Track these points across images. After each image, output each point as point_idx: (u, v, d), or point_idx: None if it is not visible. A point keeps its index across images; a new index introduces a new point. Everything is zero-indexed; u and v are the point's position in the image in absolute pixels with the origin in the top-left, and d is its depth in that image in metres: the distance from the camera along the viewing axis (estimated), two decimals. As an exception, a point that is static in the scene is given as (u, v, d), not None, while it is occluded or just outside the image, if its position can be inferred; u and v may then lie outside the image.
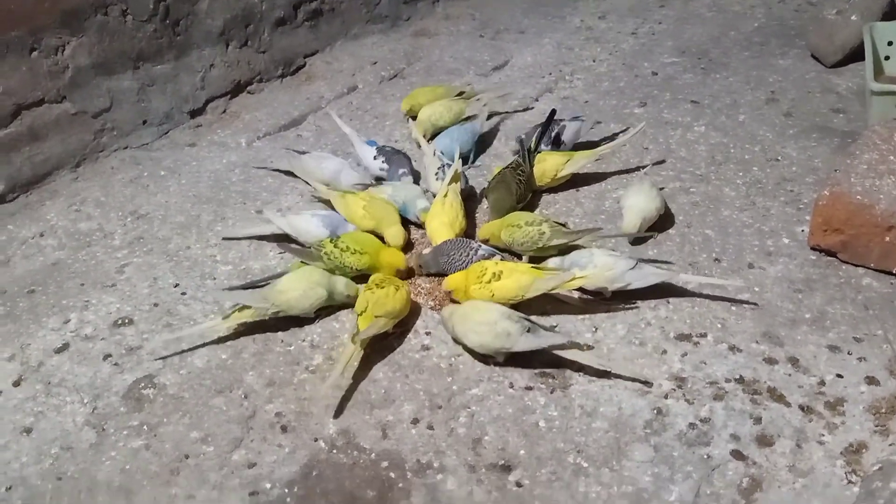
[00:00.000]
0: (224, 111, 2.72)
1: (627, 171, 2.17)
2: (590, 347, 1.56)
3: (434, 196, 1.99)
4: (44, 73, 2.22)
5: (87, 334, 1.71)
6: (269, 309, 1.63)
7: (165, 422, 1.48)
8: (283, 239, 1.93)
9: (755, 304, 1.65)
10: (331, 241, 1.78)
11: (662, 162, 2.21)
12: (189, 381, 1.56)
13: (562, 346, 1.49)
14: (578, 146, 2.22)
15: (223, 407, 1.50)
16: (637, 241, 1.85)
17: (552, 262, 1.75)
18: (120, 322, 1.74)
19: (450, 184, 1.95)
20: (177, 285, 1.85)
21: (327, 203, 2.05)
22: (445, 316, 1.62)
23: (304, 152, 2.24)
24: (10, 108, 2.16)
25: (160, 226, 2.09)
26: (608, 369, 1.48)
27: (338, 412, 1.47)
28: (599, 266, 1.65)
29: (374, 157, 2.19)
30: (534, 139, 2.13)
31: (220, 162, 2.40)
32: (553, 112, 2.20)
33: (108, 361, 1.63)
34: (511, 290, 1.62)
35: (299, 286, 1.66)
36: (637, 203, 1.86)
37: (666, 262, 1.79)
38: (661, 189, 2.02)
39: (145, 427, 1.47)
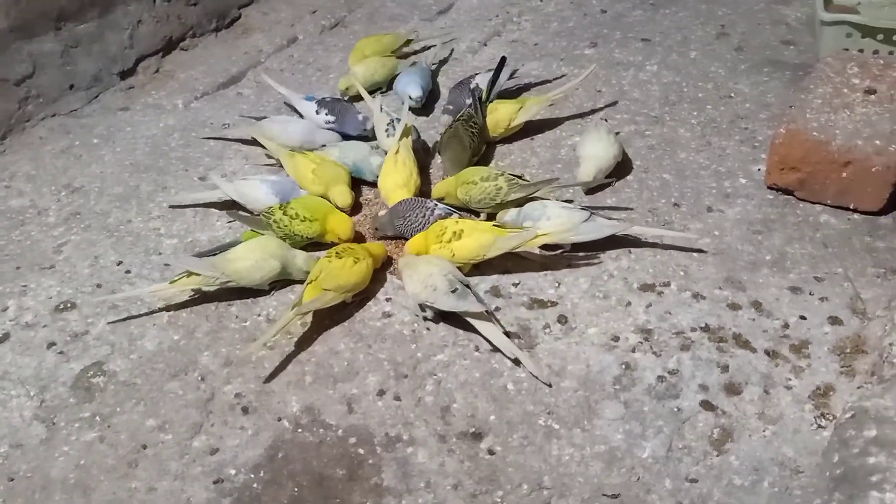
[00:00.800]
0: (157, 71, 2.57)
1: (581, 116, 2.12)
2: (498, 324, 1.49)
3: (385, 153, 1.92)
4: (-45, 40, 2.06)
5: (27, 322, 1.62)
6: (218, 278, 1.57)
7: (119, 411, 1.41)
8: (231, 206, 1.84)
9: (716, 249, 1.64)
10: (280, 208, 1.71)
11: (615, 104, 2.16)
12: (141, 367, 1.49)
13: (479, 316, 1.46)
14: (501, 95, 2.13)
15: (179, 391, 1.44)
16: (594, 189, 1.82)
17: (507, 216, 1.70)
18: (62, 307, 1.65)
19: (401, 139, 1.87)
20: (120, 263, 1.76)
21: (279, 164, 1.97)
22: (401, 265, 1.59)
23: (262, 118, 2.13)
24: (-80, 80, 2.01)
25: (97, 199, 1.98)
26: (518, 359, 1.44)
27: (300, 388, 1.42)
28: (552, 219, 1.63)
29: (317, 112, 2.10)
30: (485, 88, 2.06)
31: (156, 126, 2.27)
32: (503, 59, 2.13)
33: (52, 350, 1.54)
34: (472, 250, 1.58)
35: (251, 256, 1.59)
36: (593, 151, 1.81)
37: (625, 209, 1.76)
38: (617, 133, 1.97)
39: (98, 418, 1.40)
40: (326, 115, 2.09)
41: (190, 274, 1.57)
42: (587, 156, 1.81)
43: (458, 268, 1.60)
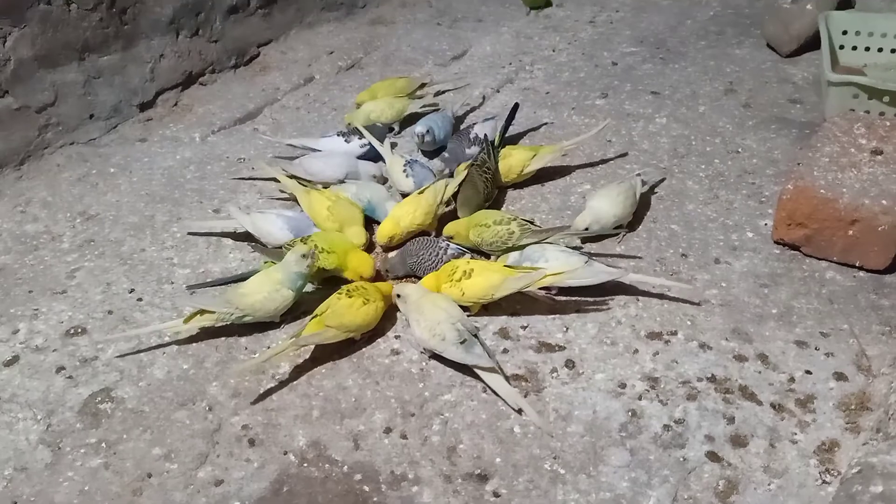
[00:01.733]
0: (175, 104, 2.62)
1: (592, 165, 2.16)
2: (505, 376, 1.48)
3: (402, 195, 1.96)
4: (-18, 66, 2.10)
5: (37, 345, 1.63)
6: (233, 313, 1.58)
7: (125, 438, 1.41)
8: (245, 238, 1.87)
9: (723, 301, 1.66)
10: (302, 241, 1.72)
11: (625, 155, 2.20)
12: (149, 394, 1.50)
13: (486, 369, 1.46)
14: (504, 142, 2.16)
15: (186, 421, 1.44)
16: (599, 238, 1.83)
17: (510, 258, 1.73)
18: (72, 331, 1.66)
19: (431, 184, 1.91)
20: (132, 290, 1.77)
21: (294, 200, 2.00)
22: (411, 296, 1.58)
23: (296, 157, 2.16)
24: (-53, 103, 2.05)
25: (112, 227, 2.00)
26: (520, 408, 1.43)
27: (307, 422, 1.43)
28: (551, 261, 1.65)
29: (347, 141, 2.17)
30: (497, 134, 2.10)
31: (173, 158, 2.31)
32: (516, 106, 2.18)
33: (61, 374, 1.55)
34: (481, 289, 1.60)
35: (263, 288, 1.60)
36: (598, 205, 1.82)
37: (633, 258, 1.78)
38: (652, 191, 1.98)
39: (104, 444, 1.40)
40: (359, 138, 2.15)
41: (203, 311, 1.58)
42: (591, 207, 1.82)
43: (467, 308, 1.62)
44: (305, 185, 1.98)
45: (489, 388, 1.46)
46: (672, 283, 1.66)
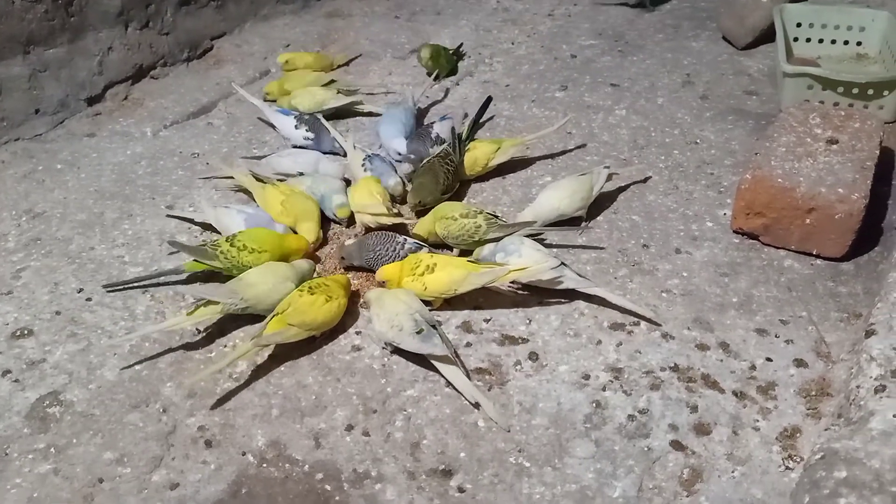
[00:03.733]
0: (125, 98, 2.55)
1: (552, 157, 2.15)
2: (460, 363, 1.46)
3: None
4: (-81, 59, 2.01)
5: (-19, 349, 1.56)
6: (238, 304, 1.52)
7: (75, 442, 1.36)
8: (209, 229, 1.85)
9: (684, 290, 1.66)
10: (227, 240, 1.67)
11: (585, 146, 2.20)
12: (99, 397, 1.44)
13: (441, 359, 1.44)
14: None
15: (139, 423, 1.39)
16: (560, 223, 1.82)
17: (485, 249, 1.70)
18: (18, 333, 1.59)
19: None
20: (80, 290, 1.71)
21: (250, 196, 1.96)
22: (370, 298, 1.57)
23: (263, 156, 2.12)
24: None
25: (59, 225, 1.93)
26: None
27: (266, 422, 1.39)
28: (524, 257, 1.62)
29: (296, 127, 2.13)
30: (465, 128, 2.08)
31: (123, 153, 2.25)
32: (489, 99, 2.17)
33: (7, 378, 1.49)
34: (444, 284, 1.57)
35: (269, 279, 1.56)
36: (547, 199, 1.81)
37: (596, 248, 1.78)
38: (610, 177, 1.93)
39: (52, 449, 1.35)
40: (306, 130, 2.12)
41: (208, 303, 1.52)
42: (539, 199, 1.82)
43: (429, 302, 1.59)
44: (261, 181, 1.93)
45: (448, 381, 1.43)
46: (636, 307, 1.58)
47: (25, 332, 1.59)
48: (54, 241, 1.87)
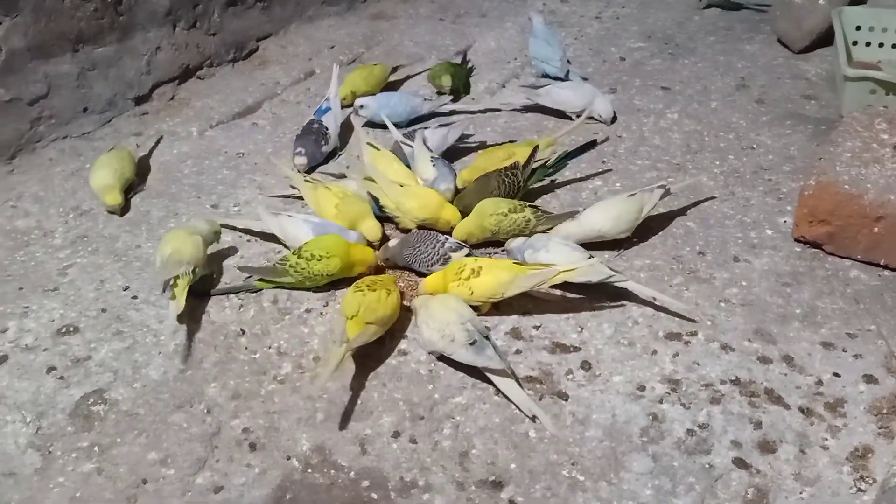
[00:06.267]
0: (172, 98, 2.55)
1: (602, 160, 2.09)
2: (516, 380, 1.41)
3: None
4: (-27, 56, 2.02)
5: (27, 344, 1.55)
6: (183, 269, 1.56)
7: (119, 442, 1.34)
8: (270, 239, 1.81)
9: (743, 300, 1.59)
10: (294, 254, 1.64)
11: (636, 150, 2.14)
12: (144, 396, 1.42)
13: (497, 372, 1.39)
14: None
15: (184, 424, 1.37)
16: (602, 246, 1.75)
17: (514, 243, 1.67)
18: (64, 330, 1.58)
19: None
20: (126, 288, 1.70)
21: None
22: (416, 305, 1.54)
23: (540, 86, 2.31)
24: (-63, 94, 1.97)
25: (106, 223, 1.93)
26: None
27: (311, 426, 1.35)
28: (552, 253, 1.60)
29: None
30: (554, 157, 1.96)
31: (169, 153, 2.24)
32: (593, 143, 2.10)
33: (52, 375, 1.48)
34: (490, 288, 1.53)
35: (178, 236, 1.63)
36: (589, 219, 1.72)
37: (648, 256, 1.72)
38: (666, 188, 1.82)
39: (96, 448, 1.33)
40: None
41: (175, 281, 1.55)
42: (581, 217, 1.73)
43: (477, 307, 1.55)
44: (312, 183, 1.90)
45: (502, 392, 1.39)
46: (670, 300, 1.54)
47: (71, 328, 1.58)
48: (101, 239, 1.86)
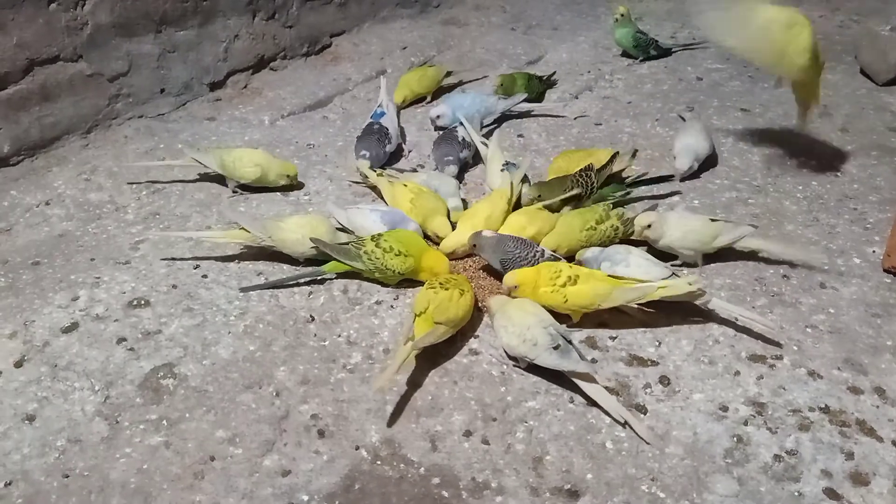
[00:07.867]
0: (245, 86, 2.56)
1: (681, 180, 2.04)
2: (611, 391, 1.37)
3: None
4: (61, 27, 2.05)
5: (98, 314, 1.55)
6: (264, 240, 1.64)
7: (188, 417, 1.32)
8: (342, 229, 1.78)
9: (831, 328, 1.52)
10: (372, 239, 1.60)
11: (713, 169, 2.08)
12: (213, 373, 1.41)
13: (582, 376, 1.35)
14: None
15: (252, 404, 1.34)
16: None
17: (588, 253, 1.63)
18: (135, 303, 1.57)
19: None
20: (197, 266, 1.69)
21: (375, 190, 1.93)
22: (494, 306, 1.49)
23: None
24: (23, 62, 1.99)
25: (178, 202, 1.93)
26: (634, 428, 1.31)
27: (380, 418, 1.32)
28: (632, 267, 1.55)
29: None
30: (632, 178, 1.96)
31: (241, 139, 2.24)
32: (670, 176, 2.02)
33: (122, 346, 1.47)
34: (587, 297, 1.47)
35: (299, 231, 1.64)
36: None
37: (730, 278, 1.66)
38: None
39: (165, 422, 1.31)
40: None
41: (241, 228, 1.65)
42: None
43: (565, 315, 1.51)
44: (389, 180, 1.89)
45: (587, 397, 1.34)
46: (755, 317, 1.48)
47: (142, 302, 1.58)
48: (173, 217, 1.86)
